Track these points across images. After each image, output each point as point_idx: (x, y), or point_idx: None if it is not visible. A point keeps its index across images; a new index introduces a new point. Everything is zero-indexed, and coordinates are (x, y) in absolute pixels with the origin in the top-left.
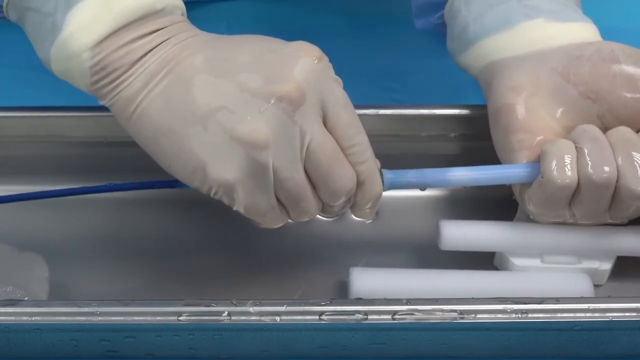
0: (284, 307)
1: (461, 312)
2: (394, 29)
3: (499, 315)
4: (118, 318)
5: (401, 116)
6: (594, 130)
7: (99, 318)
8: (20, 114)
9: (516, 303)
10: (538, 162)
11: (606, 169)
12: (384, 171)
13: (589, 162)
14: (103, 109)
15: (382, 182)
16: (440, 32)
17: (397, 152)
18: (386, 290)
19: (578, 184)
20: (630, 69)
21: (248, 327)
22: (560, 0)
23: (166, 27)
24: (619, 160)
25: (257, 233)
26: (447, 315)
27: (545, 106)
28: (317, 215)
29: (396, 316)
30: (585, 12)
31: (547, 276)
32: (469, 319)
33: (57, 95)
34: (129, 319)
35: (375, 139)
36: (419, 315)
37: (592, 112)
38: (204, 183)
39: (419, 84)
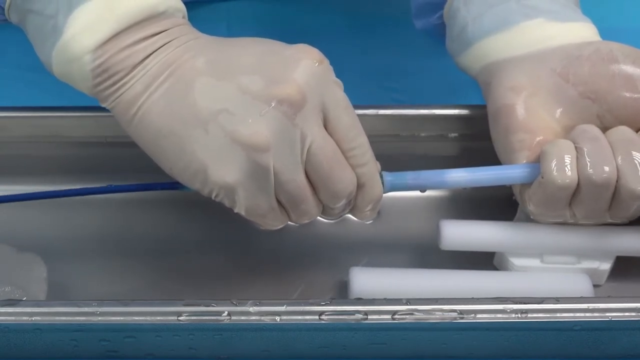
0: (284, 307)
1: (461, 312)
2: (394, 29)
3: (499, 315)
4: (118, 318)
5: (401, 116)
6: (593, 130)
7: (99, 318)
8: (20, 114)
9: (516, 303)
10: (538, 163)
11: (606, 168)
12: (384, 173)
13: (589, 162)
14: (103, 109)
15: (382, 184)
16: (439, 32)
17: (397, 153)
18: (386, 290)
19: (578, 184)
20: (629, 69)
21: (248, 327)
22: (560, 0)
23: (168, 29)
24: (619, 160)
25: (258, 233)
26: (446, 315)
27: (545, 106)
28: (318, 217)
29: (396, 316)
30: (585, 12)
31: (546, 276)
32: (468, 319)
33: (57, 95)
34: (129, 319)
35: (375, 139)
36: (418, 315)
37: (591, 112)
38: (205, 185)
39: (419, 84)
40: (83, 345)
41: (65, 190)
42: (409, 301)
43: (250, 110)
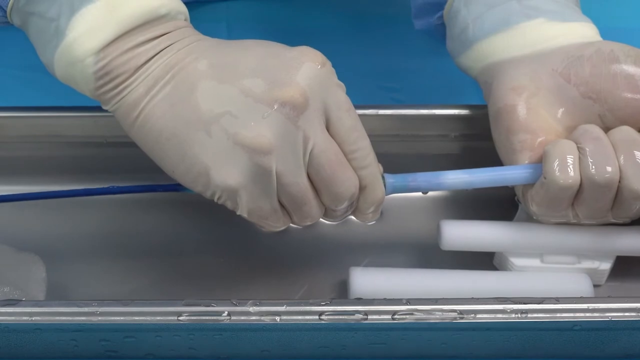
0: (284, 307)
1: (461, 312)
2: (394, 29)
3: (499, 315)
4: (118, 318)
5: (401, 116)
6: (595, 130)
7: (99, 318)
8: (20, 114)
9: (516, 303)
10: (540, 163)
11: (608, 169)
12: (386, 175)
13: (591, 162)
14: (102, 109)
15: (384, 186)
16: (439, 32)
17: (397, 152)
18: (386, 290)
19: (580, 184)
20: (630, 69)
21: (248, 327)
22: (560, 0)
23: (170, 32)
24: (621, 159)
25: (259, 234)
26: (446, 315)
27: (546, 107)
28: (320, 219)
29: (396, 316)
30: (585, 12)
31: (546, 276)
32: (468, 319)
33: (57, 95)
34: (129, 319)
35: (375, 139)
36: (418, 315)
37: (593, 112)
38: (207, 188)
39: (419, 84)
40: (83, 345)
41: (68, 191)
42: (409, 301)
43: (253, 112)
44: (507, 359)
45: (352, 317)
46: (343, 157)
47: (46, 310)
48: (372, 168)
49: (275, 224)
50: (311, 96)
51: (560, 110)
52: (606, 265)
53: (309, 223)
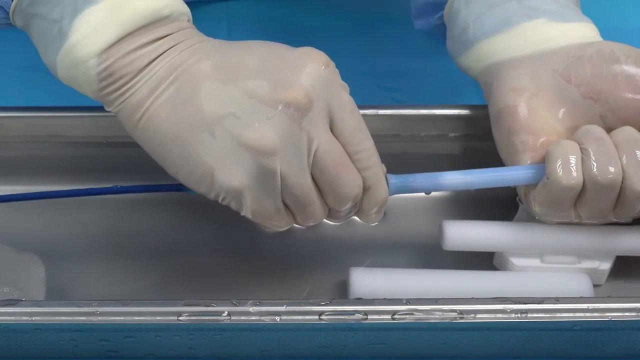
0: (284, 307)
1: (461, 312)
2: (394, 29)
3: (499, 315)
4: (118, 318)
5: (401, 116)
6: (598, 130)
7: (99, 318)
8: (20, 114)
9: (516, 303)
10: (542, 164)
11: (611, 169)
12: (389, 176)
13: (594, 163)
14: (102, 109)
15: (387, 187)
16: (439, 32)
17: (397, 152)
18: (386, 290)
19: (583, 184)
20: (631, 69)
21: (248, 327)
22: (560, 0)
23: (173, 33)
24: (624, 160)
25: (260, 234)
26: (446, 315)
27: (547, 107)
28: (324, 220)
29: (396, 316)
30: (585, 12)
31: (546, 276)
32: (468, 319)
33: (57, 95)
34: (129, 319)
35: (375, 139)
36: (418, 315)
37: (594, 112)
38: (211, 189)
39: (419, 84)
40: (83, 345)
41: (70, 191)
42: (408, 301)
43: (257, 114)
44: (507, 359)
45: (352, 317)
46: (347, 158)
47: (46, 310)
48: (376, 169)
49: (279, 224)
50: (315, 97)
51: (561, 111)
52: (606, 265)
53: (312, 223)
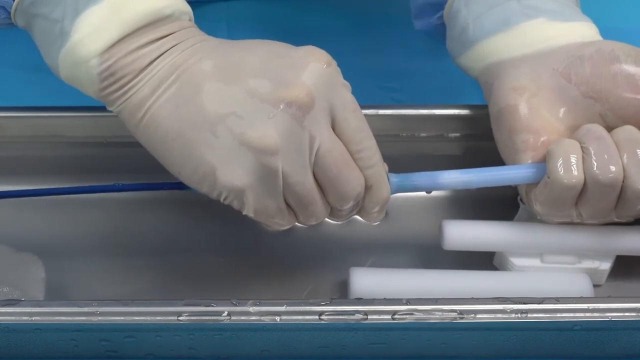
0: (284, 307)
1: (461, 312)
2: (394, 29)
3: (499, 315)
4: (118, 318)
5: (401, 116)
6: (599, 129)
7: (99, 318)
8: (20, 114)
9: (516, 303)
10: (543, 163)
11: (612, 168)
12: (390, 175)
13: (595, 162)
14: (103, 109)
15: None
16: (439, 32)
17: (397, 152)
18: (386, 290)
19: (584, 183)
20: (630, 68)
21: (248, 327)
22: (560, 0)
23: (174, 32)
24: (625, 159)
25: (260, 233)
26: (446, 315)
27: (548, 106)
28: (325, 219)
29: (396, 316)
30: (585, 12)
31: (546, 276)
32: (468, 319)
33: (57, 95)
34: (129, 319)
35: (375, 139)
36: (418, 315)
37: (594, 111)
38: (213, 189)
39: (419, 84)
40: (83, 345)
41: (71, 189)
42: (408, 301)
43: (259, 113)
44: (507, 359)
45: (352, 317)
46: (349, 157)
47: (46, 310)
48: (378, 168)
49: (281, 223)
50: (317, 96)
51: (562, 110)
52: (606, 265)
53: (314, 222)
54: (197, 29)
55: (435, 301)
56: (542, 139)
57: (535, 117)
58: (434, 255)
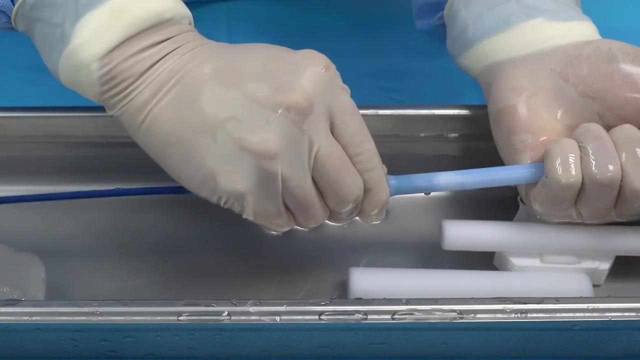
0: (284, 307)
1: (460, 312)
2: (394, 29)
3: (499, 315)
4: (118, 318)
5: (401, 116)
6: (597, 128)
7: (99, 318)
8: (20, 114)
9: (516, 303)
10: (542, 162)
11: (610, 167)
12: (389, 177)
13: (593, 161)
14: (103, 109)
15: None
16: (440, 32)
17: (397, 152)
18: (386, 290)
19: (583, 183)
20: (628, 67)
21: (248, 327)
22: None
23: (174, 36)
24: (623, 158)
25: (260, 234)
26: (446, 315)
27: (546, 106)
28: (326, 221)
29: (396, 316)
30: (585, 12)
31: (546, 276)
32: (468, 319)
33: (57, 96)
34: (129, 319)
35: (375, 139)
36: (418, 315)
37: (592, 110)
38: (213, 193)
39: (419, 84)
40: (83, 345)
41: (72, 193)
42: (408, 301)
43: (258, 117)
44: (507, 359)
45: (352, 317)
46: (348, 161)
47: (46, 310)
48: (377, 171)
49: (280, 226)
50: (316, 100)
51: (560, 110)
52: (605, 265)
53: (313, 225)
54: (197, 33)
55: (435, 301)
56: (540, 139)
57: (534, 117)
58: (434, 255)
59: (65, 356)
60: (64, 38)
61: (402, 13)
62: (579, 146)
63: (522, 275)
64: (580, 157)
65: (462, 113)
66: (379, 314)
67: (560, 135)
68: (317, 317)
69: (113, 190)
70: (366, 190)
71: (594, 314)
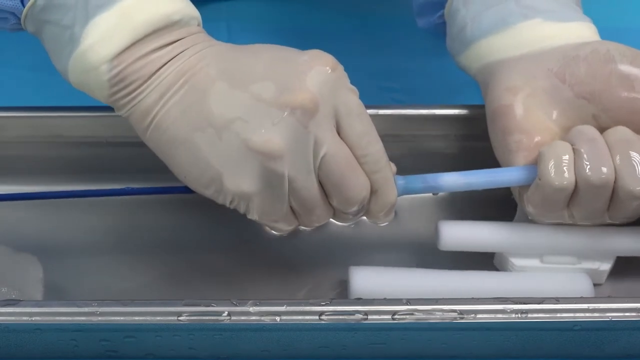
0: (284, 307)
1: (461, 312)
2: (394, 29)
3: (499, 315)
4: (118, 318)
5: (401, 116)
6: (590, 131)
7: (99, 318)
8: (20, 114)
9: (516, 303)
10: (536, 165)
11: (604, 169)
12: (397, 177)
13: (586, 164)
14: (103, 109)
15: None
16: (441, 31)
17: (397, 152)
18: (386, 290)
19: (576, 185)
20: (625, 69)
21: (248, 327)
22: None
23: (183, 38)
24: (617, 160)
25: (260, 233)
26: (446, 315)
27: (542, 107)
28: (331, 220)
29: (396, 316)
30: (585, 12)
31: (546, 276)
32: (468, 319)
33: (57, 96)
34: (129, 319)
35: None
36: (418, 315)
37: (587, 112)
38: (219, 193)
39: (419, 84)
40: (83, 345)
41: (78, 191)
42: (409, 301)
43: (264, 118)
44: (507, 359)
45: (352, 317)
46: (354, 161)
47: (46, 310)
48: (384, 172)
49: (285, 226)
50: (322, 101)
51: (556, 111)
52: (606, 266)
53: (317, 225)
54: (206, 34)
55: (436, 301)
56: (535, 139)
57: (529, 117)
58: (434, 255)
59: (65, 356)
60: (74, 40)
61: (402, 13)
62: (573, 148)
63: (523, 276)
64: (574, 159)
65: (462, 113)
66: (379, 314)
67: (555, 136)
68: (317, 317)
69: (122, 189)
70: (373, 192)
71: (595, 314)
